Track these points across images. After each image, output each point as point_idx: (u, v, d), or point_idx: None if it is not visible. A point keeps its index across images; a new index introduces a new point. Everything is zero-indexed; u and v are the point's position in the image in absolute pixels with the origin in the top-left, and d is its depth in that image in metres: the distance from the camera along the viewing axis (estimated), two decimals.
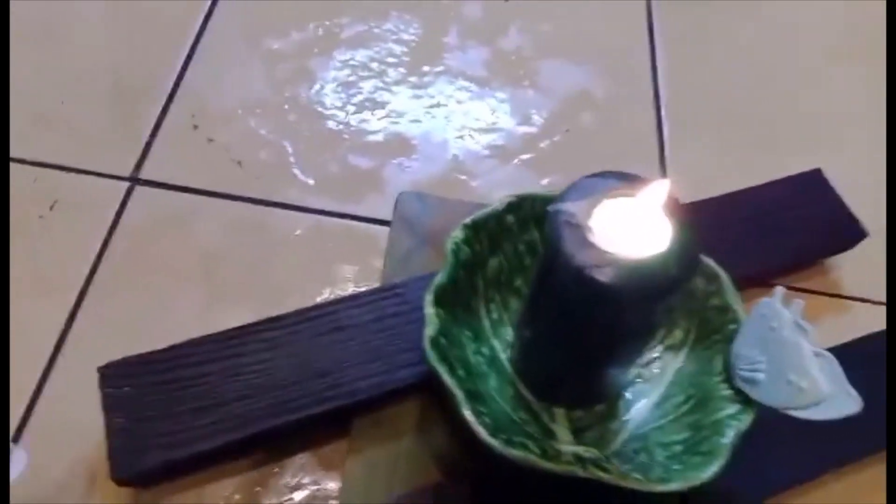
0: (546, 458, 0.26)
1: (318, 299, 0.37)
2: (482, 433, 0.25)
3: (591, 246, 0.22)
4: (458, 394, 0.26)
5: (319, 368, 0.31)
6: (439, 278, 0.29)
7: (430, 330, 0.28)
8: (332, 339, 0.32)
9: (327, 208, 0.41)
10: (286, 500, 0.31)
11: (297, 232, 0.40)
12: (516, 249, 0.33)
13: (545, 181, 0.44)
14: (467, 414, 0.26)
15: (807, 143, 0.47)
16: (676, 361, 0.32)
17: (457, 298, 0.31)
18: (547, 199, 0.32)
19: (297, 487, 0.31)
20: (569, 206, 0.23)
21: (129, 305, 0.36)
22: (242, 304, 0.37)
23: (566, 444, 0.28)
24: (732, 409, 0.28)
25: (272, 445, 0.32)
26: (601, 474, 0.25)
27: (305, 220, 0.41)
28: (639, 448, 0.29)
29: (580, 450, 0.28)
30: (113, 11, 0.47)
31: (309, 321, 0.33)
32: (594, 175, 0.24)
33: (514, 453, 0.25)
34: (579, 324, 0.25)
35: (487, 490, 0.30)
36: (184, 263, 0.38)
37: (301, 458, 0.32)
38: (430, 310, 0.28)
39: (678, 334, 0.32)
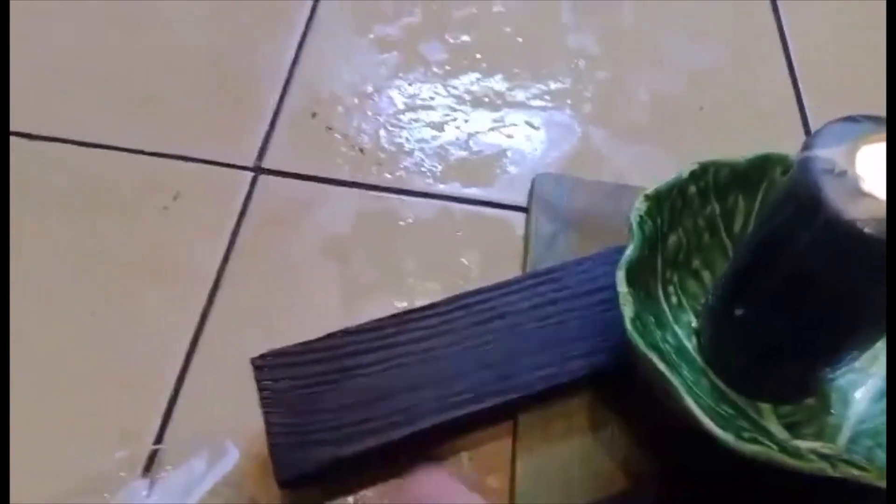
0: (786, 454, 0.22)
1: (457, 286, 0.34)
2: (712, 426, 0.22)
3: (865, 195, 0.19)
4: (677, 383, 0.23)
5: (484, 359, 0.29)
6: (628, 254, 0.26)
7: (629, 310, 0.25)
8: (493, 327, 0.30)
9: (455, 194, 0.39)
10: None
11: (426, 218, 0.37)
12: (696, 225, 0.30)
13: (684, 162, 0.41)
14: (692, 405, 0.22)
15: None
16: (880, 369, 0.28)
17: (639, 280, 0.27)
18: (731, 166, 0.29)
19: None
20: (825, 153, 0.20)
21: (265, 296, 0.34)
22: (378, 293, 0.34)
23: (792, 441, 0.25)
24: None
25: (436, 441, 0.29)
26: (856, 472, 0.22)
27: (433, 206, 0.38)
28: (872, 445, 0.25)
29: (817, 445, 0.24)
30: (219, 1, 0.46)
31: (464, 308, 0.30)
32: (843, 119, 0.21)
33: (753, 449, 0.22)
34: (822, 295, 0.22)
35: (681, 494, 0.27)
36: (315, 253, 0.36)
37: (463, 457, 0.29)
38: (623, 288, 0.25)
39: None
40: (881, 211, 0.19)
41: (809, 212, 0.20)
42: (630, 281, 0.26)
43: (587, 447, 0.29)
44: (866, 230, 0.19)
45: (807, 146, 0.20)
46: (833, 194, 0.19)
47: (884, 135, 0.20)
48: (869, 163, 0.20)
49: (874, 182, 0.19)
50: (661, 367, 0.23)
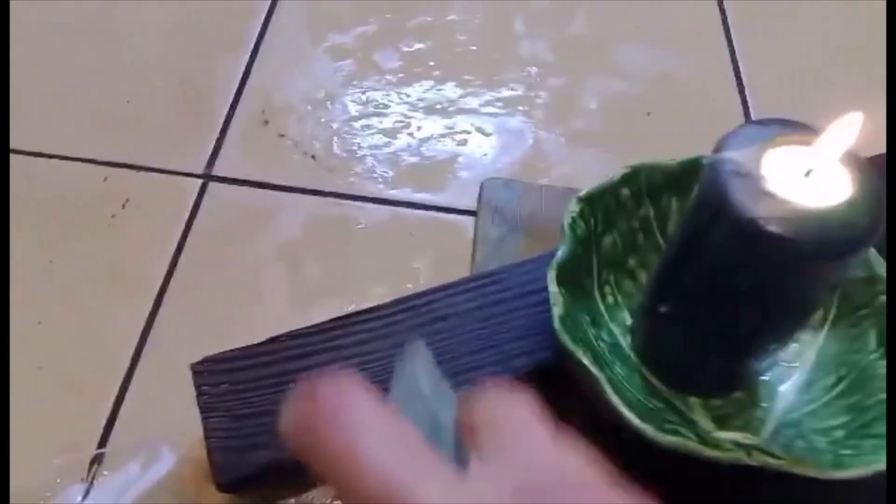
0: (705, 444, 0.23)
1: (406, 290, 0.35)
2: (631, 417, 0.23)
3: (767, 195, 0.20)
4: (601, 377, 0.24)
5: None
6: (560, 255, 0.27)
7: (557, 309, 0.25)
8: (436, 328, 0.30)
9: (406, 199, 0.39)
10: None
11: (377, 223, 0.38)
12: (630, 226, 0.30)
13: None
14: (613, 397, 0.23)
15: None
16: (816, 342, 0.29)
17: (573, 279, 0.28)
18: (662, 169, 0.30)
19: None
20: (733, 155, 0.21)
21: (212, 302, 0.34)
22: (328, 297, 0.35)
23: (715, 433, 0.25)
24: None
25: None
26: (771, 460, 0.22)
27: (384, 211, 0.39)
28: (793, 435, 0.26)
29: (738, 436, 0.25)
30: (173, 10, 0.47)
31: (409, 311, 0.31)
32: (754, 122, 0.22)
33: (670, 440, 0.23)
34: (737, 292, 0.23)
35: None
36: (265, 259, 0.36)
37: None
38: (553, 287, 0.26)
39: (817, 313, 0.29)
40: (782, 210, 0.20)
41: (717, 212, 0.21)
42: (562, 280, 0.27)
43: None
44: (768, 228, 0.20)
45: (717, 148, 0.21)
46: (738, 195, 0.20)
47: (790, 138, 0.21)
48: (774, 164, 0.21)
49: (777, 183, 0.20)
50: (585, 361, 0.24)
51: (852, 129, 0.20)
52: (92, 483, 0.25)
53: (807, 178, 0.21)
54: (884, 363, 0.26)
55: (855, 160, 0.21)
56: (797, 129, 0.22)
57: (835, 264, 0.20)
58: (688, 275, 0.24)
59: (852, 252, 0.20)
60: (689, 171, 0.30)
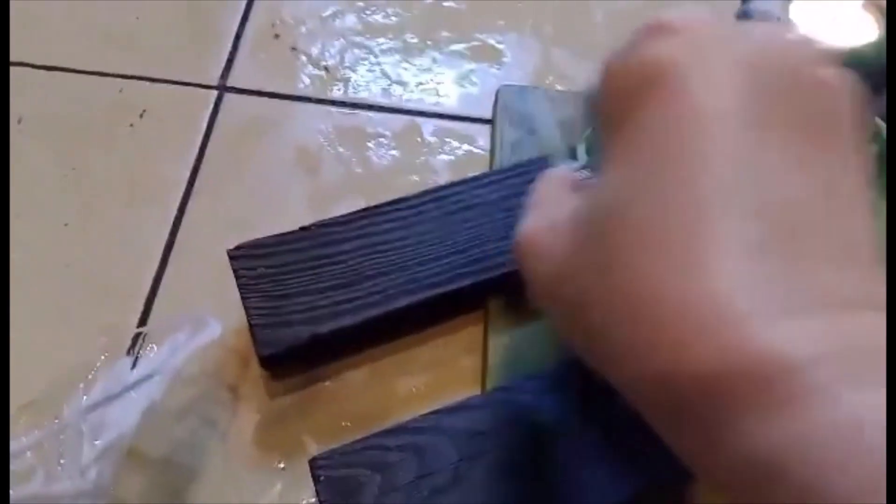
0: None
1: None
2: None
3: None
4: None
5: (454, 246, 0.30)
6: (588, 132, 0.28)
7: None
8: (463, 217, 0.31)
9: (420, 109, 0.39)
10: (425, 380, 0.29)
11: (393, 131, 0.38)
12: None
13: None
14: None
15: None
16: None
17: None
18: None
19: (437, 364, 0.30)
20: (762, 5, 0.21)
21: (236, 204, 0.34)
22: (349, 196, 0.35)
23: None
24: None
25: (412, 326, 0.30)
26: None
27: (399, 120, 0.39)
28: None
29: None
30: None
31: (436, 201, 0.31)
32: None
33: None
34: None
35: None
36: (284, 162, 0.36)
37: (440, 342, 0.31)
38: (583, 156, 0.27)
39: None
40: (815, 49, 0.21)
41: None
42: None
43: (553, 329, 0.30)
44: None
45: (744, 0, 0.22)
46: None
47: None
48: (801, 12, 0.22)
49: (806, 27, 0.21)
50: None
51: None
52: (139, 355, 0.25)
53: (832, 23, 0.21)
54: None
55: (877, 6, 0.22)
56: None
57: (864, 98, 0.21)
58: None
59: (880, 89, 0.21)
60: None
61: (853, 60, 0.21)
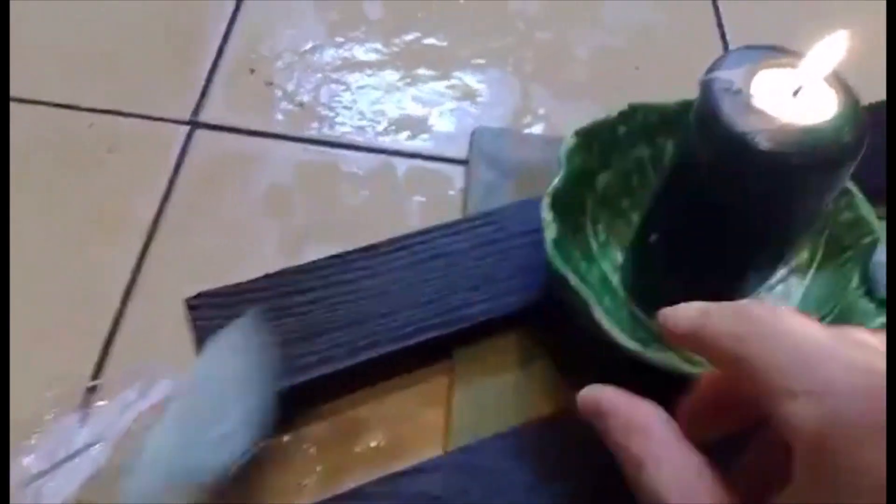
0: (689, 363, 0.24)
1: (398, 234, 0.35)
2: (618, 335, 0.23)
3: (756, 111, 0.20)
4: (590, 297, 0.24)
5: (422, 296, 0.29)
6: (555, 184, 0.27)
7: (550, 233, 0.26)
8: (432, 266, 0.30)
9: (395, 148, 0.39)
10: (386, 435, 0.29)
11: (367, 171, 0.38)
12: (625, 167, 0.31)
13: None
14: (602, 319, 0.24)
15: None
16: (802, 284, 0.29)
17: (567, 212, 0.29)
18: (660, 109, 0.30)
19: (400, 419, 0.29)
20: (725, 74, 0.21)
21: (201, 245, 0.34)
22: (318, 241, 0.34)
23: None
24: (878, 320, 0.26)
25: (374, 379, 0.29)
26: None
27: (373, 159, 0.38)
28: None
29: None
30: None
31: (404, 249, 0.31)
32: (745, 47, 0.22)
33: (657, 355, 0.23)
34: (725, 212, 0.23)
35: None
36: (253, 202, 0.35)
37: (404, 394, 0.30)
38: (547, 215, 0.26)
39: (804, 255, 0.30)
40: (771, 125, 0.20)
41: (707, 128, 0.21)
42: (555, 211, 0.27)
43: (521, 378, 0.30)
44: (756, 140, 0.20)
45: (710, 69, 0.22)
46: (728, 110, 0.21)
47: (779, 60, 0.22)
48: (763, 84, 0.21)
49: (766, 100, 0.21)
50: (574, 281, 0.24)
51: (838, 49, 0.20)
52: (88, 412, 0.24)
53: (795, 97, 0.21)
54: (867, 300, 0.27)
55: (839, 81, 0.21)
56: (786, 53, 0.22)
57: (820, 178, 0.21)
58: (677, 200, 0.25)
59: (837, 164, 0.21)
60: (686, 113, 0.31)
61: (811, 139, 0.20)
